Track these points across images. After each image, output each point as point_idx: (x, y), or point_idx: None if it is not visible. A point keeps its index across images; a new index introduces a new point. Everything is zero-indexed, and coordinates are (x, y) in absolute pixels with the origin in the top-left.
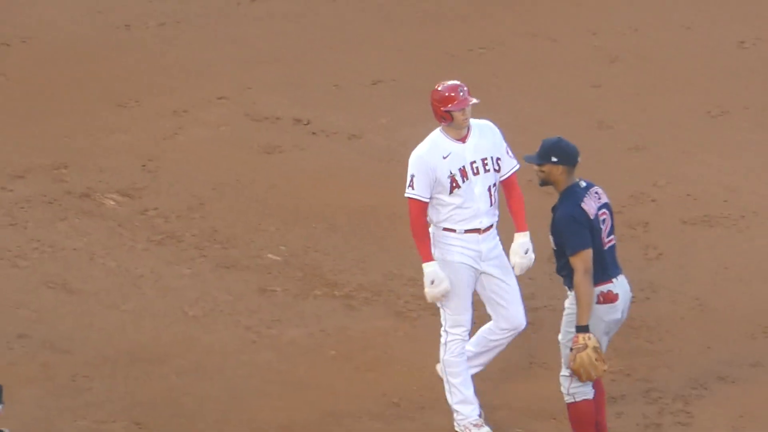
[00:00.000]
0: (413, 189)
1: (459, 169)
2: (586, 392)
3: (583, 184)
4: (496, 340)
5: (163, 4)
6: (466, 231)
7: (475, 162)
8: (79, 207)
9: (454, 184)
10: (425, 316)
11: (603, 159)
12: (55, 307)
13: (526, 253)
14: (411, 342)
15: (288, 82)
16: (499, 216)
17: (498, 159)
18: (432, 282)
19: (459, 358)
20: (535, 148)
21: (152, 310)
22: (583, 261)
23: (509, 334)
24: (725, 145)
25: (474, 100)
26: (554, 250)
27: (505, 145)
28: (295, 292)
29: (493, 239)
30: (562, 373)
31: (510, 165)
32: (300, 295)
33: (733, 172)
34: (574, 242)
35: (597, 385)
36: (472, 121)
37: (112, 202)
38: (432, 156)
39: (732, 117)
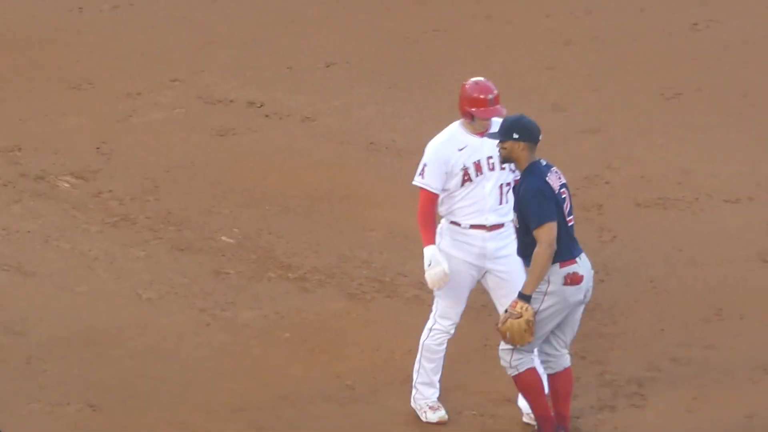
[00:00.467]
0: (423, 178)
1: (474, 163)
2: (528, 362)
3: (544, 162)
4: None
5: None
6: (472, 226)
7: (492, 157)
8: (33, 189)
9: (466, 177)
10: (379, 299)
11: (557, 141)
12: (9, 290)
13: None
14: (365, 324)
15: (242, 64)
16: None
17: None
18: (429, 264)
19: (439, 347)
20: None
21: (106, 293)
22: (547, 233)
23: None
24: (679, 128)
25: (503, 112)
26: (517, 229)
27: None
28: (249, 275)
29: (503, 239)
30: (501, 347)
31: (501, 177)
32: (254, 277)
33: (687, 155)
34: (540, 214)
35: (566, 377)
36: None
37: (66, 185)
38: (447, 148)
39: (685, 99)
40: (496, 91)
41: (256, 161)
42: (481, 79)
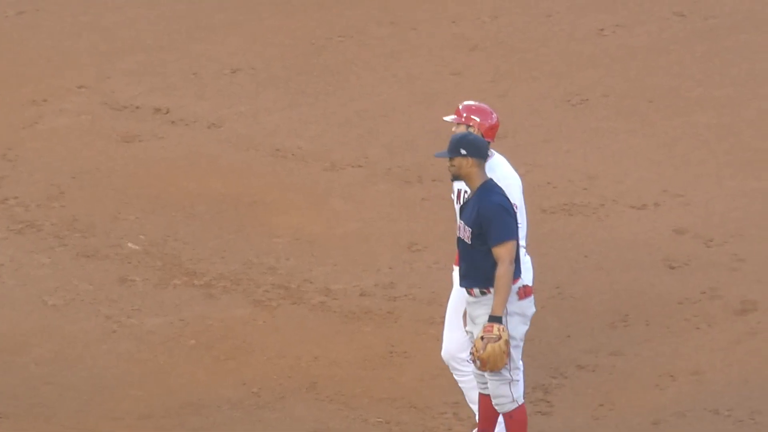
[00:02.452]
0: None
1: (458, 190)
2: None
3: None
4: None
5: None
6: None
7: (461, 190)
8: None
9: (455, 200)
10: (285, 305)
11: None
12: None
13: None
14: (271, 331)
15: (147, 70)
16: None
17: None
18: None
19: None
20: (397, 136)
21: (12, 299)
22: (509, 251)
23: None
24: (585, 133)
25: (457, 119)
26: (466, 245)
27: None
28: (155, 282)
29: None
30: (497, 380)
31: None
32: (160, 284)
33: (593, 160)
34: (504, 232)
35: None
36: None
37: None
38: None
39: (592, 105)
40: (472, 108)
41: (162, 167)
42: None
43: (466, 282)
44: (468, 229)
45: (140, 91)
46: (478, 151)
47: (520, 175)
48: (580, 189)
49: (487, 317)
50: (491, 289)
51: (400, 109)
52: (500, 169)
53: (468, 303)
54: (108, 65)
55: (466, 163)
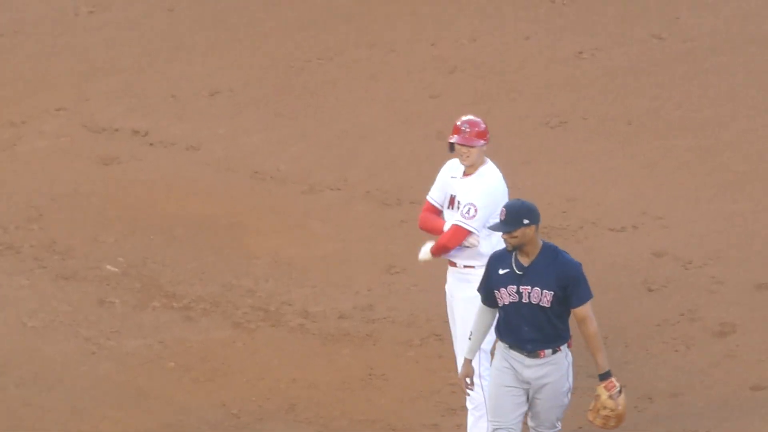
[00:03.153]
0: (430, 191)
1: (450, 195)
2: None
3: None
4: None
5: (0, 15)
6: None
7: (455, 198)
8: None
9: (446, 205)
10: (264, 327)
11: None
12: None
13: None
14: (250, 353)
15: (126, 93)
16: (476, 266)
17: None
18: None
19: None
20: (376, 158)
21: None
22: (591, 308)
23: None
24: (564, 156)
25: (475, 143)
26: (538, 309)
27: (471, 202)
28: (134, 304)
29: (456, 279)
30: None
31: (453, 216)
32: (138, 306)
33: (572, 183)
34: (587, 291)
35: None
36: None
37: None
38: (448, 169)
39: (570, 127)
40: (482, 126)
41: (141, 189)
42: (472, 116)
43: (536, 345)
44: (548, 293)
45: (119, 113)
46: (537, 215)
47: None
48: (559, 211)
49: (554, 376)
50: (562, 347)
51: (379, 131)
52: (486, 178)
53: (528, 366)
54: (86, 87)
55: (529, 231)
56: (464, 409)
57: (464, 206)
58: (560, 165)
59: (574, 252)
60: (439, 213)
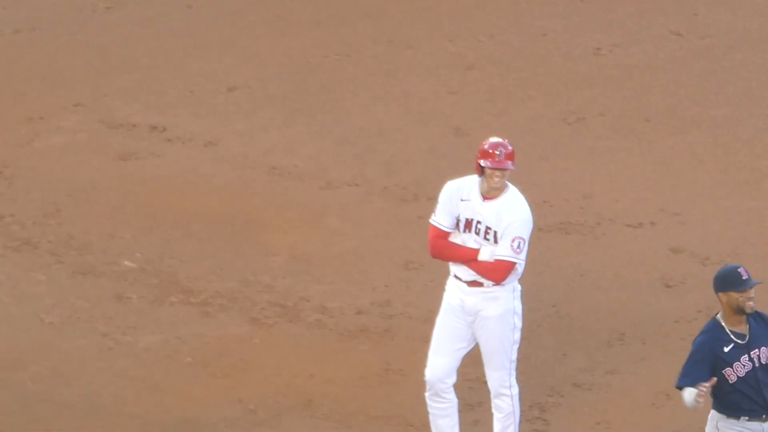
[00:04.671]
0: (435, 215)
1: (466, 218)
2: None
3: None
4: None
5: (18, 11)
6: (455, 275)
7: (480, 223)
8: None
9: (462, 228)
10: (281, 323)
11: (459, 166)
12: None
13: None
14: (267, 349)
15: (144, 88)
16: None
17: (496, 233)
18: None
19: (430, 402)
20: (393, 154)
21: (8, 317)
22: None
23: (491, 395)
24: (581, 152)
25: (510, 166)
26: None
27: (514, 234)
28: (151, 299)
29: (483, 300)
30: None
31: (499, 251)
32: (156, 301)
33: (589, 179)
34: None
35: None
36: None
37: None
38: (454, 191)
39: (588, 123)
40: (509, 149)
41: (159, 185)
42: (498, 138)
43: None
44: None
45: (136, 109)
46: (722, 284)
47: None
48: (577, 208)
49: None
50: None
51: (396, 128)
52: (523, 207)
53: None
54: (104, 83)
55: (722, 297)
56: (481, 405)
57: (513, 240)
58: (577, 161)
59: (592, 247)
60: (447, 237)
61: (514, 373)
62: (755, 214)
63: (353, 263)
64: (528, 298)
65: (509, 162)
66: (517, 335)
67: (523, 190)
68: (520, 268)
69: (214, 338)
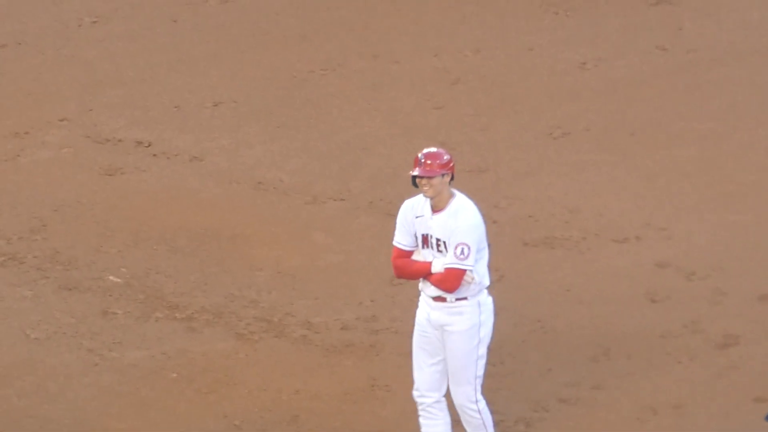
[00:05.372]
0: (395, 236)
1: (422, 234)
2: None
3: None
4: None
5: (3, 26)
6: (421, 291)
7: (432, 236)
8: None
9: (421, 244)
10: (267, 339)
11: None
12: None
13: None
14: (252, 364)
15: (129, 103)
16: (469, 296)
17: (445, 244)
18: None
19: (420, 417)
20: (379, 169)
21: None
22: None
23: (458, 410)
24: (566, 166)
25: (435, 173)
26: None
27: (457, 241)
28: (137, 315)
29: (448, 314)
30: None
31: (446, 260)
32: (141, 317)
33: (575, 194)
34: None
35: None
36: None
37: None
38: (408, 210)
39: (573, 138)
40: (445, 158)
41: (144, 200)
42: (434, 148)
43: None
44: None
45: (122, 124)
46: None
47: (502, 209)
48: (562, 222)
49: None
50: None
51: (381, 142)
52: (467, 213)
53: None
54: (89, 98)
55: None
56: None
57: (456, 247)
58: (563, 176)
59: (577, 262)
60: (409, 256)
61: (479, 388)
62: (741, 228)
63: (339, 278)
64: (512, 313)
65: (437, 170)
66: (482, 350)
67: (509, 205)
68: (484, 280)
69: (200, 354)
